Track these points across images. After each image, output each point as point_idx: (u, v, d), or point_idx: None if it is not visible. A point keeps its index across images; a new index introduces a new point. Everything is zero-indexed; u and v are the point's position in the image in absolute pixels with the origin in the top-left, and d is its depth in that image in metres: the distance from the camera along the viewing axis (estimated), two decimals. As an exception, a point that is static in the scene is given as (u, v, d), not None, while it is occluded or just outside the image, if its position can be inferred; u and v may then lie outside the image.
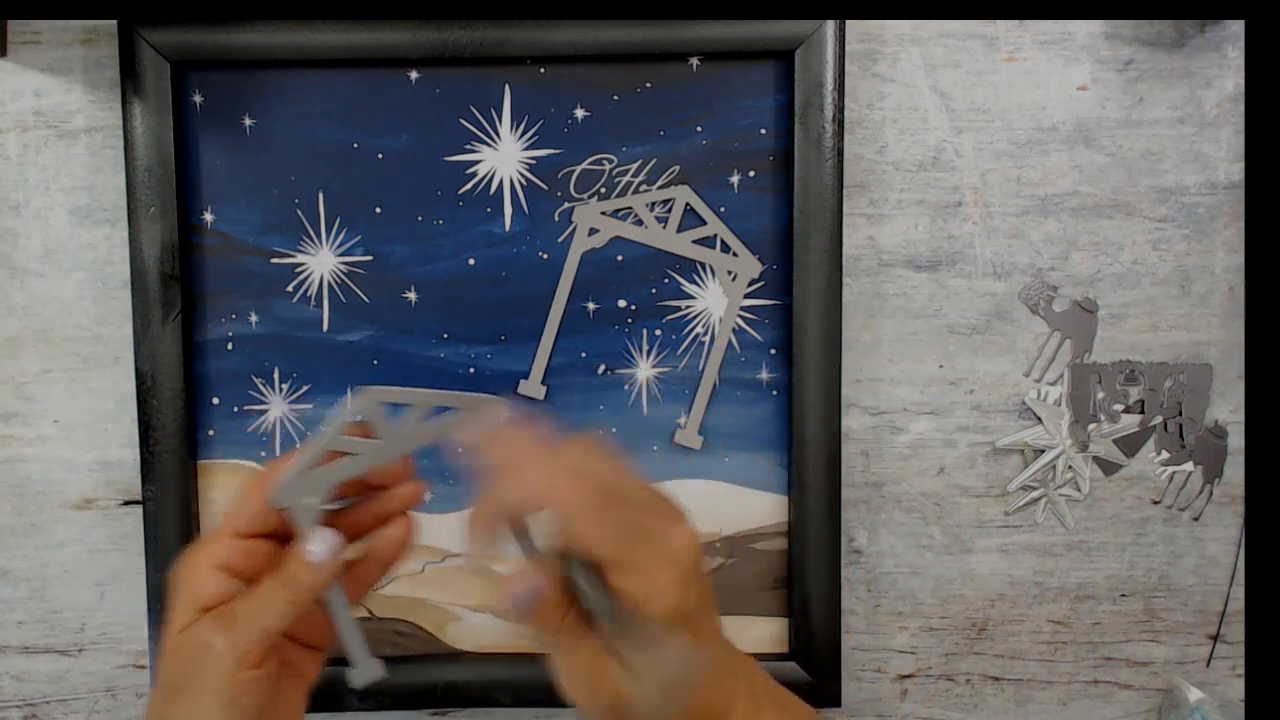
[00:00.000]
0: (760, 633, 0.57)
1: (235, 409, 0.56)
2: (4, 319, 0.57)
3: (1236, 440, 0.57)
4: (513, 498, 0.38)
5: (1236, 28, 0.55)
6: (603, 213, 0.55)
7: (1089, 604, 0.58)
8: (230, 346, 0.56)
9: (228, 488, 0.57)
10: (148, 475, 0.55)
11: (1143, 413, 0.57)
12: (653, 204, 0.55)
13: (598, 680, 0.38)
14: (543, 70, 0.55)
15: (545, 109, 0.55)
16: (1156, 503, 0.58)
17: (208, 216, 0.55)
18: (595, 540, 0.36)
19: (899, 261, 0.57)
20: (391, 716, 0.57)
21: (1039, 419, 0.57)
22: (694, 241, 0.56)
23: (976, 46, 0.56)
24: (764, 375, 0.56)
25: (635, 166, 0.55)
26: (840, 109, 0.53)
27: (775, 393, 0.56)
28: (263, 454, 0.56)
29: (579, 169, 0.55)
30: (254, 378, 0.56)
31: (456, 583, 0.57)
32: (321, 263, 0.56)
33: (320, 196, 0.55)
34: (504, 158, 0.55)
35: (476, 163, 0.55)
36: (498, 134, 0.55)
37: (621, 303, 0.56)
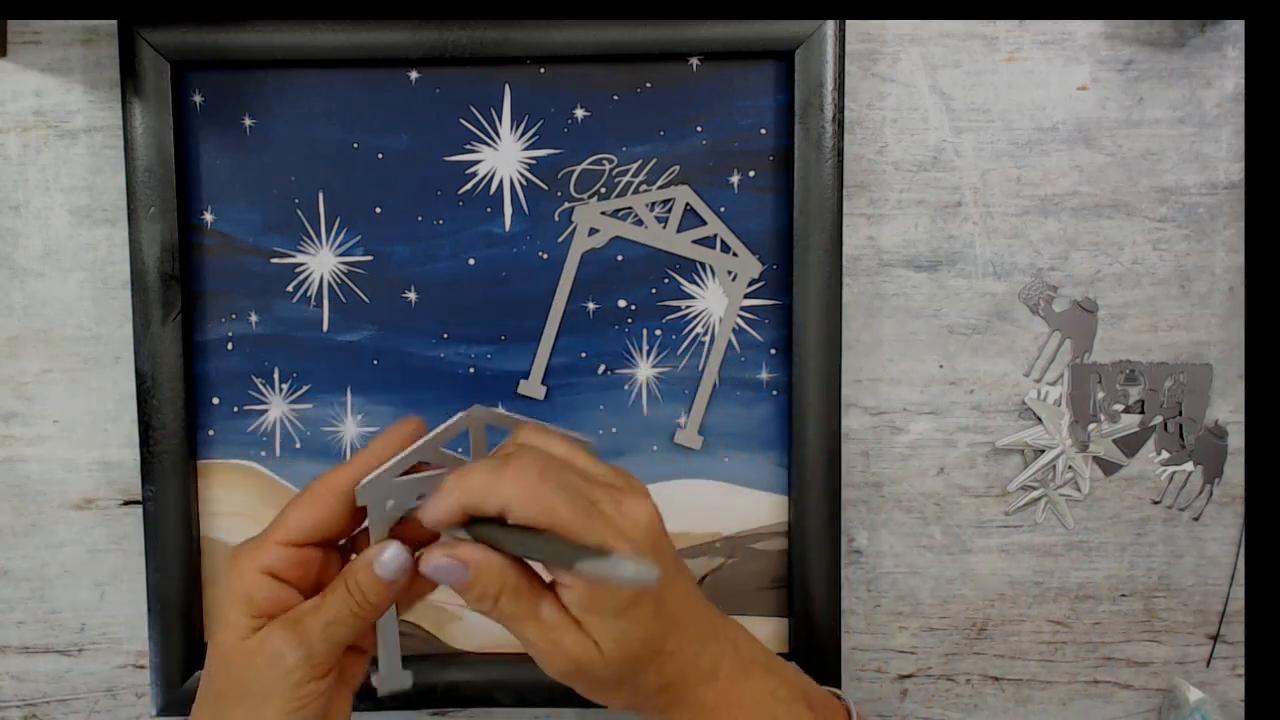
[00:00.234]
0: (760, 633, 0.57)
1: (235, 409, 0.56)
2: (4, 319, 0.57)
3: (1236, 440, 0.57)
4: (457, 502, 0.37)
5: (1236, 28, 0.55)
6: (603, 213, 0.55)
7: (1089, 604, 0.58)
8: (230, 346, 0.56)
9: (228, 487, 0.57)
10: (148, 475, 0.55)
11: (1143, 413, 0.57)
12: (653, 204, 0.55)
13: (555, 644, 0.38)
14: (543, 70, 0.55)
15: (545, 109, 0.55)
16: (1156, 503, 0.58)
17: (208, 216, 0.55)
18: (542, 512, 0.36)
19: (899, 261, 0.57)
20: (391, 716, 0.57)
21: (1039, 419, 0.57)
22: (694, 241, 0.56)
23: (976, 46, 0.56)
24: (764, 375, 0.56)
25: (635, 166, 0.55)
26: (840, 109, 0.53)
27: (775, 393, 0.56)
28: (263, 454, 0.56)
29: (579, 169, 0.55)
30: (254, 378, 0.56)
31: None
32: (321, 263, 0.56)
33: (320, 196, 0.55)
34: (504, 158, 0.55)
35: (476, 163, 0.55)
36: (498, 134, 0.55)
37: (621, 303, 0.56)
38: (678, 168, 0.55)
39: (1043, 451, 0.57)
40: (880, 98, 0.56)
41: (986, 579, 0.58)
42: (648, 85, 0.55)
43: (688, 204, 0.55)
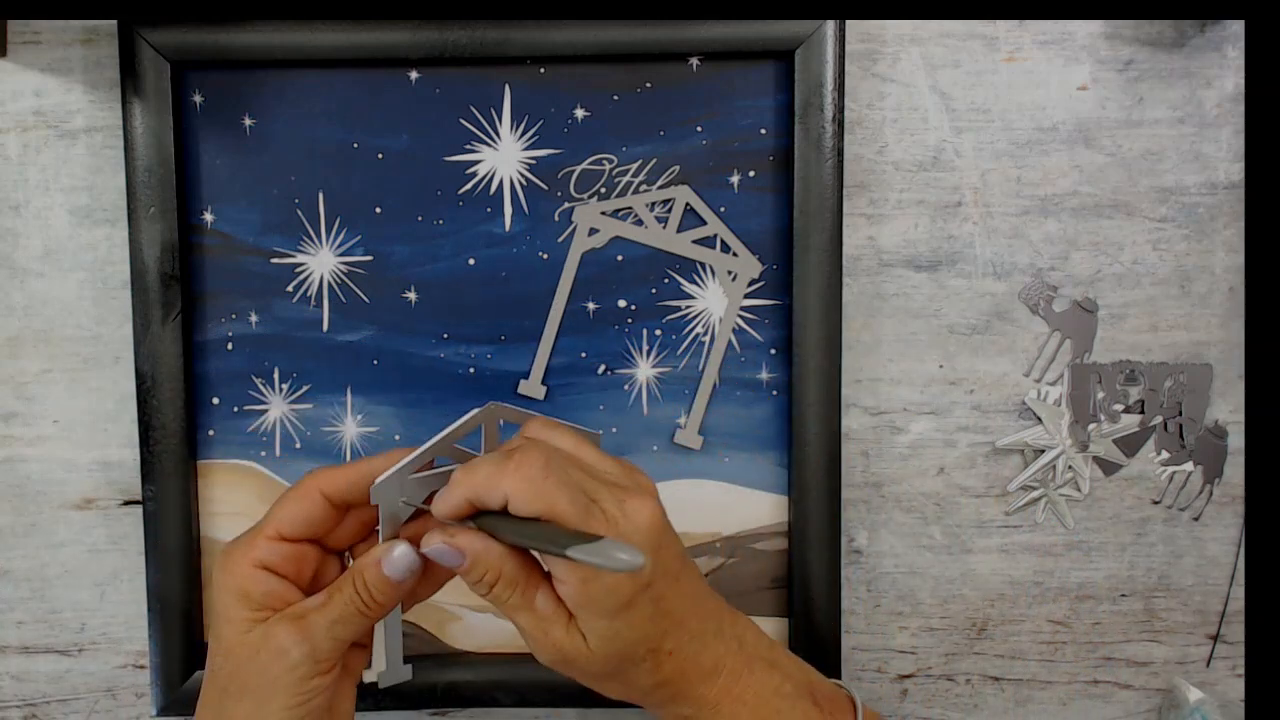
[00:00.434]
0: (760, 633, 0.57)
1: (235, 409, 0.56)
2: (4, 319, 0.57)
3: (1236, 440, 0.57)
4: (462, 495, 0.38)
5: (1236, 28, 0.55)
6: (603, 213, 0.55)
7: (1089, 604, 0.58)
8: (230, 346, 0.56)
9: (228, 487, 0.57)
10: (148, 475, 0.55)
11: (1143, 413, 0.57)
12: (653, 204, 0.55)
13: (546, 634, 0.38)
14: (543, 70, 0.55)
15: (545, 109, 0.55)
16: (1156, 503, 0.58)
17: (208, 216, 0.55)
18: (543, 506, 0.36)
19: (899, 261, 0.57)
20: (391, 716, 0.57)
21: (1039, 419, 0.57)
22: (694, 241, 0.56)
23: (976, 46, 0.56)
24: (764, 375, 0.56)
25: (635, 166, 0.55)
26: (840, 109, 0.53)
27: (775, 393, 0.56)
28: (263, 454, 0.57)
29: (579, 169, 0.55)
30: (254, 378, 0.56)
31: (457, 583, 0.57)
32: (321, 263, 0.56)
33: (320, 196, 0.55)
34: (504, 158, 0.55)
35: (476, 163, 0.55)
36: (498, 134, 0.55)
37: (621, 303, 0.56)
38: (678, 168, 0.55)
39: (1043, 451, 0.57)
40: (880, 98, 0.56)
41: (986, 579, 0.58)
42: (648, 85, 0.55)
43: (688, 204, 0.55)
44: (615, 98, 0.55)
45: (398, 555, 0.39)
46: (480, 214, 0.55)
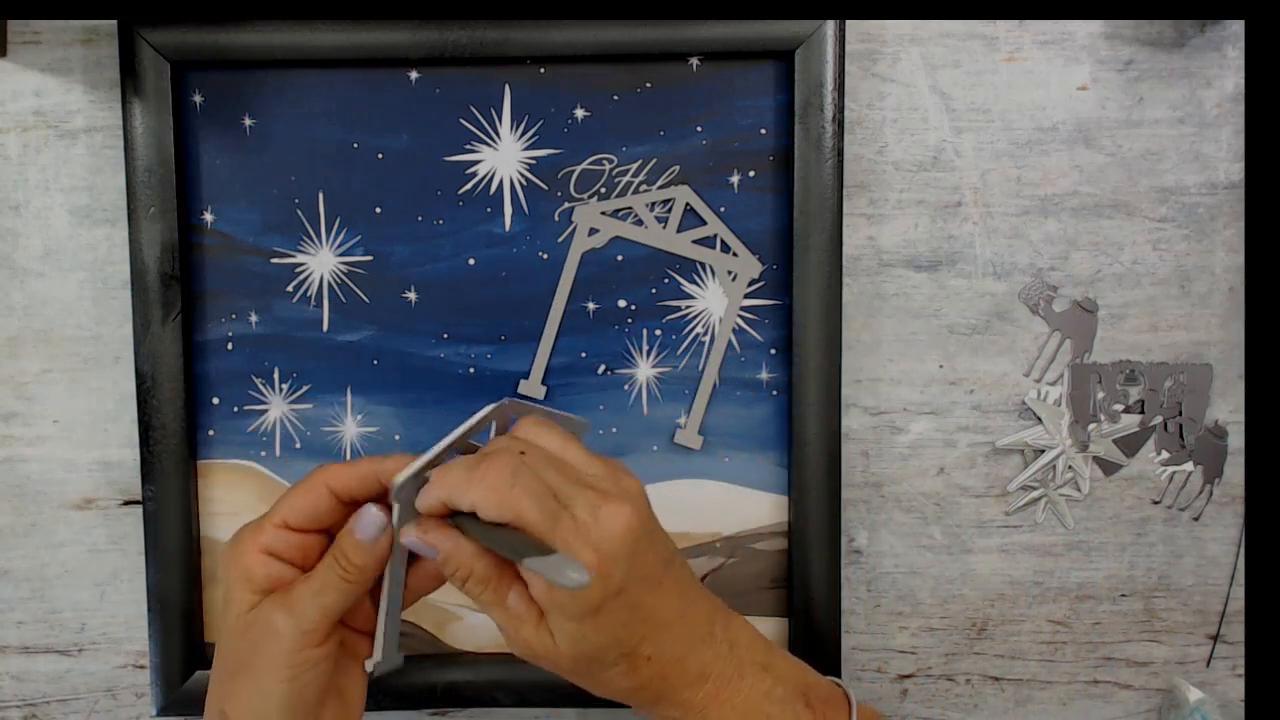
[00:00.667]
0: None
1: (235, 409, 0.56)
2: (4, 319, 0.57)
3: (1236, 440, 0.57)
4: (436, 496, 0.39)
5: (1236, 28, 0.55)
6: (603, 213, 0.55)
7: (1089, 604, 0.58)
8: (230, 346, 0.56)
9: (228, 487, 0.57)
10: (148, 475, 0.55)
11: (1143, 413, 0.57)
12: (653, 204, 0.55)
13: (517, 631, 0.39)
14: (543, 70, 0.55)
15: (545, 109, 0.55)
16: (1156, 503, 0.58)
17: (208, 216, 0.55)
18: (509, 514, 0.37)
19: (899, 261, 0.57)
20: (391, 716, 0.57)
21: (1039, 419, 0.57)
22: (694, 241, 0.56)
23: (976, 46, 0.56)
24: (764, 375, 0.56)
25: (635, 166, 0.55)
26: (840, 109, 0.53)
27: (775, 393, 0.56)
28: (263, 454, 0.57)
29: (579, 169, 0.55)
30: (254, 378, 0.56)
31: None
32: (321, 263, 0.56)
33: (320, 196, 0.55)
34: (504, 158, 0.55)
35: (476, 163, 0.55)
36: (498, 134, 0.55)
37: (621, 303, 0.56)
38: (678, 168, 0.55)
39: (1043, 451, 0.57)
40: (880, 98, 0.56)
41: (986, 579, 0.58)
42: (648, 85, 0.55)
43: (688, 204, 0.55)
44: (615, 98, 0.55)
45: (366, 520, 0.40)
46: (480, 214, 0.55)
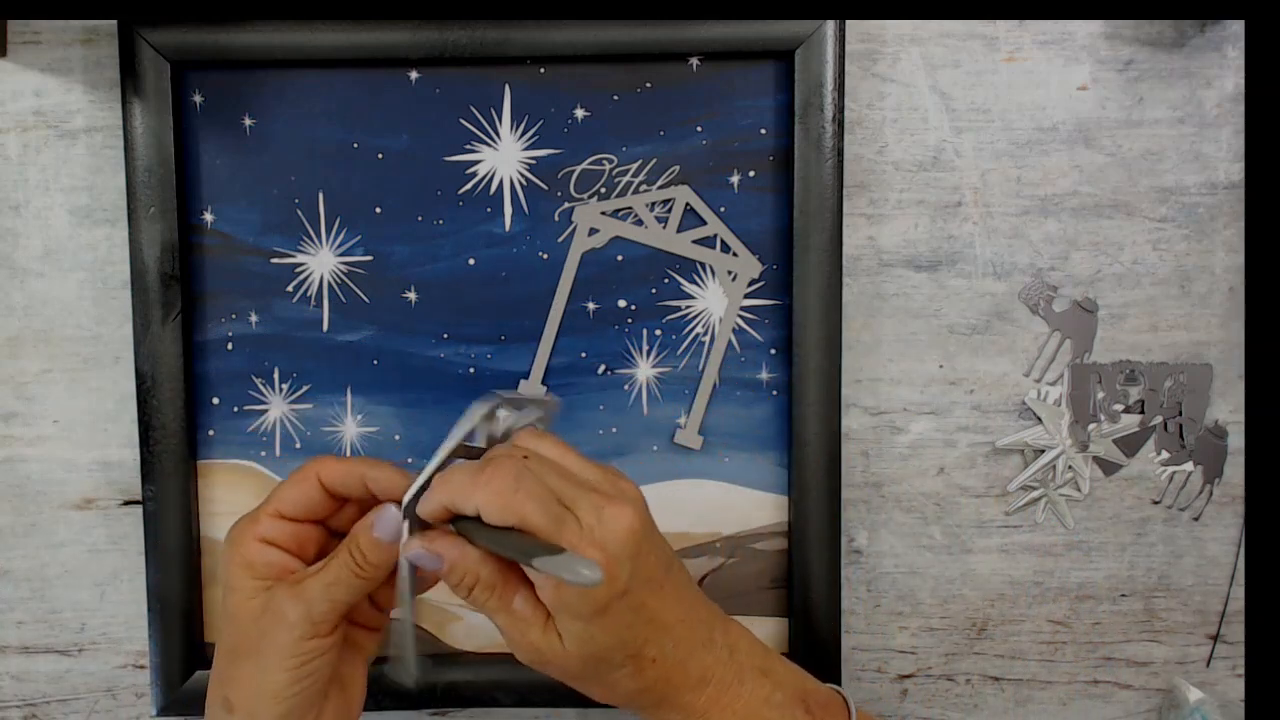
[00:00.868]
0: (760, 633, 0.57)
1: (235, 409, 0.56)
2: (4, 319, 0.57)
3: (1236, 440, 0.57)
4: (439, 502, 0.39)
5: (1236, 28, 0.55)
6: (603, 213, 0.55)
7: (1089, 604, 0.58)
8: (230, 346, 0.56)
9: (228, 487, 0.57)
10: (148, 475, 0.55)
11: (1143, 413, 0.57)
12: (653, 204, 0.55)
13: (523, 635, 0.39)
14: (543, 70, 0.55)
15: (545, 109, 0.55)
16: (1156, 503, 0.58)
17: (208, 216, 0.55)
18: (513, 518, 0.37)
19: (899, 261, 0.57)
20: (391, 716, 0.57)
21: (1039, 419, 0.57)
22: (694, 241, 0.56)
23: (976, 46, 0.56)
24: (764, 375, 0.56)
25: (635, 166, 0.55)
26: (840, 109, 0.53)
27: (775, 393, 0.56)
28: (263, 454, 0.56)
29: (579, 169, 0.55)
30: (254, 378, 0.56)
31: (456, 583, 0.57)
32: (321, 263, 0.56)
33: (320, 196, 0.55)
34: (504, 158, 0.55)
35: (476, 163, 0.55)
36: (498, 134, 0.55)
37: (621, 303, 0.56)
38: (678, 168, 0.55)
39: (1043, 451, 0.57)
40: (880, 98, 0.56)
41: (986, 579, 0.58)
42: (648, 85, 0.55)
43: (688, 204, 0.55)
44: (615, 98, 0.55)
45: (385, 519, 0.40)
46: (480, 214, 0.55)
